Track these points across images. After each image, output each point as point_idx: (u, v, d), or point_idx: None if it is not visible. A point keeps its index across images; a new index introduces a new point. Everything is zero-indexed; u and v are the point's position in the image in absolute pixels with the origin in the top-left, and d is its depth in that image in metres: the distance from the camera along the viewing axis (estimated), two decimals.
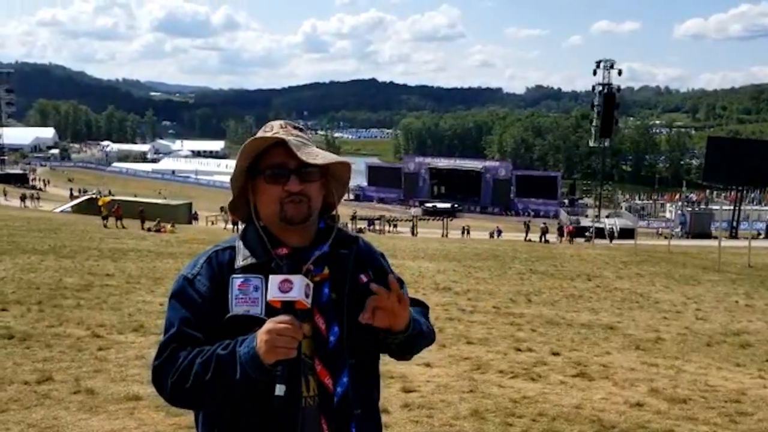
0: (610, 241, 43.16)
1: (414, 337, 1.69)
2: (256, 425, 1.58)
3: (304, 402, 1.59)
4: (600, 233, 47.09)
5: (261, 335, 1.49)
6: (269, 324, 1.49)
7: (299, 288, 1.51)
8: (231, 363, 1.51)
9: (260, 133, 1.70)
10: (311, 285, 1.55)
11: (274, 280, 1.52)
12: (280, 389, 1.48)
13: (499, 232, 46.02)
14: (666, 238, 45.60)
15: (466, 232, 45.30)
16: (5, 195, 50.62)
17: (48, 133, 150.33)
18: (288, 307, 1.51)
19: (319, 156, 1.64)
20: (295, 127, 1.72)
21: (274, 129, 1.70)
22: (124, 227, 30.22)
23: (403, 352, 1.73)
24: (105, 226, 29.61)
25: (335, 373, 1.61)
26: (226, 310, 1.61)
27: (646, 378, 6.49)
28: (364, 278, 1.70)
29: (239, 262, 1.66)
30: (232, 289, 1.62)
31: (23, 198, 48.68)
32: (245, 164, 1.68)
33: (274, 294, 1.51)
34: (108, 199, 35.97)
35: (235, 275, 1.64)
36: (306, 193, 1.65)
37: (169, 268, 14.59)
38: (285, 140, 1.63)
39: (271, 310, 1.54)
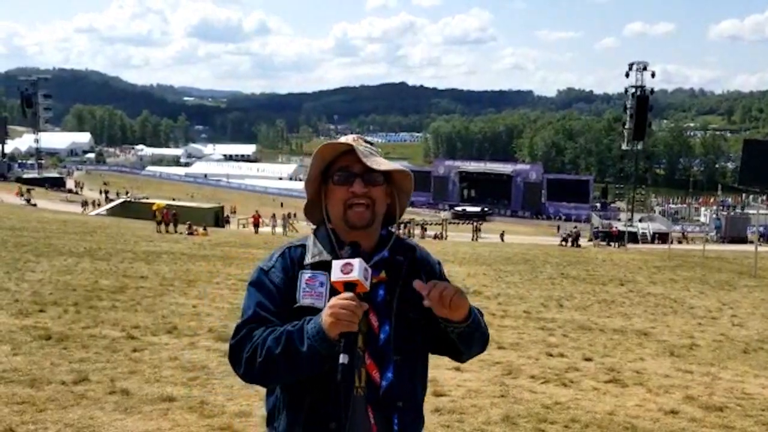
0: (625, 246, 41.86)
1: (474, 330, 1.79)
2: (316, 407, 1.75)
3: (355, 391, 1.75)
4: (633, 237, 46.45)
5: (326, 310, 1.64)
6: (333, 300, 1.64)
7: (359, 270, 1.65)
8: (299, 337, 1.66)
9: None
10: (370, 270, 1.70)
11: (337, 264, 1.68)
12: (343, 358, 1.61)
13: (575, 236, 41.49)
14: (681, 241, 44.70)
15: (476, 230, 45.09)
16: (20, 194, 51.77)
17: (84, 137, 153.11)
18: (349, 288, 1.65)
19: (382, 164, 1.82)
20: (365, 141, 1.90)
21: (347, 140, 1.88)
22: (168, 232, 30.59)
23: (462, 343, 1.81)
24: (158, 231, 30.04)
25: (382, 367, 1.75)
26: (294, 301, 1.78)
27: (680, 385, 6.39)
28: None
29: (308, 259, 1.84)
30: (301, 282, 1.80)
31: (84, 204, 49.66)
32: (319, 169, 1.86)
33: (336, 276, 1.67)
34: (163, 204, 36.31)
35: (304, 270, 1.82)
36: (370, 196, 1.80)
37: (201, 271, 14.76)
38: (353, 147, 1.81)
39: None
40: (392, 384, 1.74)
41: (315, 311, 1.70)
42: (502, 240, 43.24)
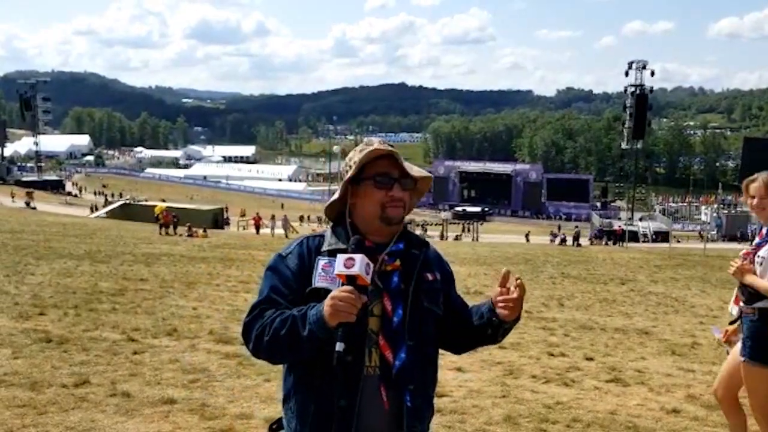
0: (621, 244, 41.79)
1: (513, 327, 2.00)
2: (326, 387, 1.88)
3: (366, 371, 1.89)
4: (633, 236, 46.47)
5: (327, 301, 1.77)
6: (334, 292, 1.78)
7: (360, 265, 1.78)
8: (302, 322, 1.81)
9: (365, 147, 2.00)
10: (371, 265, 1.83)
11: (340, 258, 1.82)
12: (339, 346, 1.75)
13: (575, 236, 41.06)
14: (702, 238, 44.72)
15: (469, 231, 45.30)
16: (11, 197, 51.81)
17: (83, 140, 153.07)
18: (350, 280, 1.78)
19: (414, 169, 2.02)
20: (390, 145, 2.03)
21: (375, 144, 2.00)
22: (168, 234, 30.51)
23: (501, 337, 2.01)
24: (160, 233, 29.99)
25: (395, 348, 1.89)
26: (308, 285, 1.93)
27: (682, 384, 6.38)
28: (429, 276, 2.03)
29: (325, 246, 1.99)
30: (317, 267, 1.94)
31: (93, 208, 49.64)
32: (355, 172, 1.98)
33: (339, 269, 1.80)
34: (164, 206, 36.22)
35: (320, 256, 1.96)
36: (404, 199, 1.98)
37: (201, 273, 14.73)
38: (393, 153, 1.96)
39: None
40: (405, 365, 1.88)
41: (328, 294, 1.82)
42: (527, 240, 43.35)
